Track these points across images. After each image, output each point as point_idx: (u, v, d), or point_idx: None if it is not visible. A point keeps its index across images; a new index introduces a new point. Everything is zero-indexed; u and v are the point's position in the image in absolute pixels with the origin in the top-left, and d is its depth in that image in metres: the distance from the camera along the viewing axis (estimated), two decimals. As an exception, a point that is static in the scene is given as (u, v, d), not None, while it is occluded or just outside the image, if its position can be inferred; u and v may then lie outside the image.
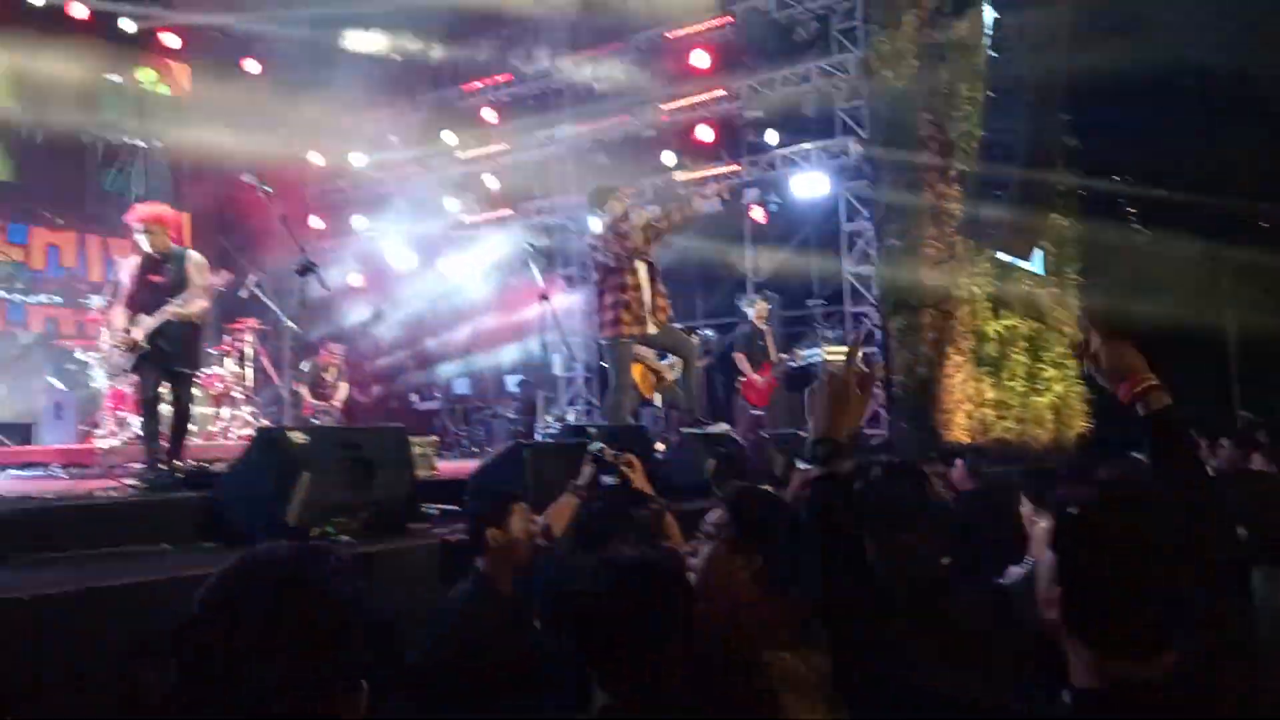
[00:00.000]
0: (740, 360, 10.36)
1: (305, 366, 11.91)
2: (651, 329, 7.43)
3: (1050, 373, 12.77)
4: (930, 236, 11.81)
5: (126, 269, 6.56)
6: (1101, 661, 1.50)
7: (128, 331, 6.24)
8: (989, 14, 12.13)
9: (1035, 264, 13.91)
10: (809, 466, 3.01)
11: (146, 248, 6.34)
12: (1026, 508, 3.87)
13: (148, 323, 6.18)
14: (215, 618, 1.37)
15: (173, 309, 6.18)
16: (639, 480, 3.98)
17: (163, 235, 6.37)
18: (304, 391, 11.64)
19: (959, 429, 11.58)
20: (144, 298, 6.27)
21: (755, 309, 10.57)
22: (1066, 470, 4.26)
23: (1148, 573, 1.48)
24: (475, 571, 3.40)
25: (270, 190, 7.00)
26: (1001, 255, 12.76)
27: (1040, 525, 3.44)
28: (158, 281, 6.27)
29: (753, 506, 2.42)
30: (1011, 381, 12.59)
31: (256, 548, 1.47)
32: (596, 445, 4.10)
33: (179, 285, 6.28)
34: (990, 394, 12.14)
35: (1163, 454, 2.14)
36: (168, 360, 6.28)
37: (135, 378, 6.62)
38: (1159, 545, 1.50)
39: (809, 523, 2.16)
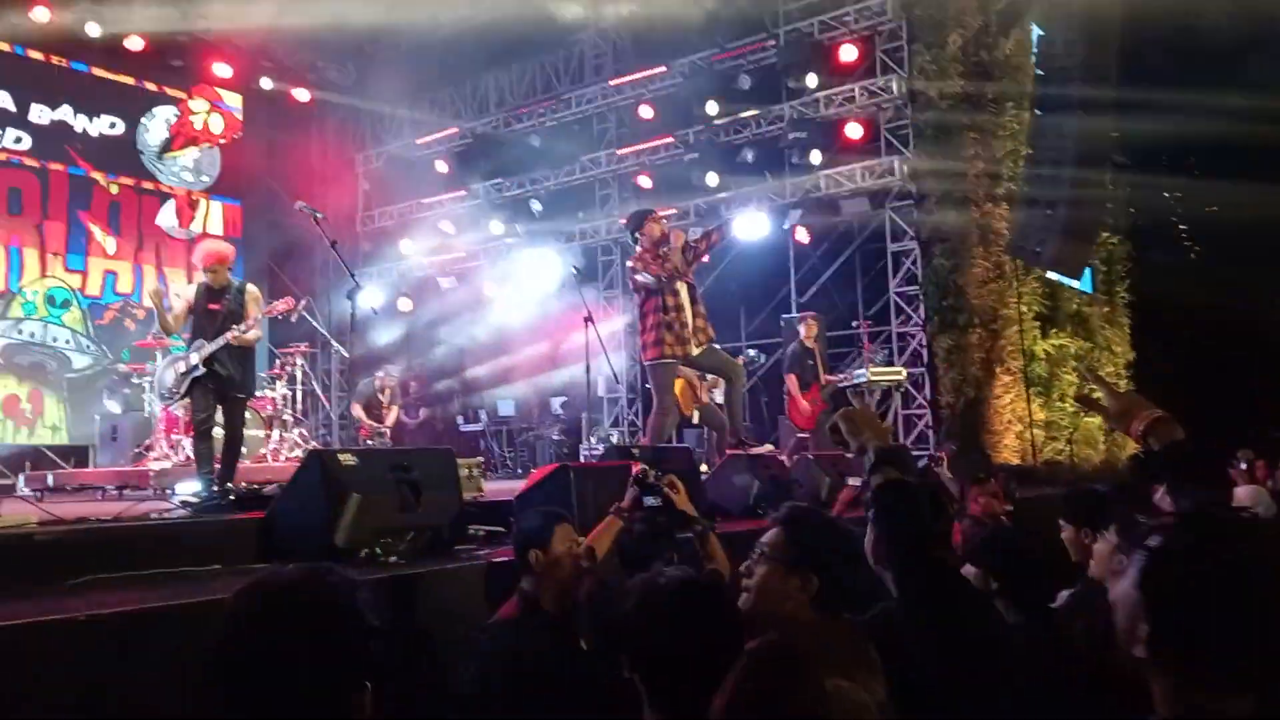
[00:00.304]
0: (790, 381, 10.30)
1: (361, 388, 12.08)
2: (694, 350, 7.44)
3: (1101, 392, 12.53)
4: (977, 255, 11.72)
5: (184, 296, 6.77)
6: (1188, 694, 1.47)
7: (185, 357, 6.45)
8: (1035, 32, 12.06)
9: (1084, 282, 13.74)
10: (858, 482, 2.97)
11: (209, 281, 6.58)
12: (1067, 531, 3.81)
13: (207, 348, 6.39)
14: (230, 636, 1.58)
15: (233, 335, 6.38)
16: (682, 502, 3.97)
17: (224, 272, 6.63)
18: (359, 412, 11.80)
19: (1009, 450, 11.43)
20: (203, 324, 6.52)
21: (805, 328, 10.50)
22: (1118, 492, 4.17)
23: (1240, 607, 1.44)
24: (520, 593, 3.41)
25: (321, 216, 7.12)
26: (1050, 274, 12.62)
27: (1098, 547, 3.37)
28: (216, 310, 6.50)
29: (809, 527, 2.38)
30: (1062, 402, 12.42)
31: (262, 572, 1.67)
32: (639, 467, 4.10)
33: (237, 314, 6.51)
34: (1040, 414, 11.98)
35: (1186, 483, 2.10)
36: (223, 384, 6.46)
37: (187, 401, 6.80)
38: (1250, 578, 1.47)
39: (879, 529, 2.12)
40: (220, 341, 6.40)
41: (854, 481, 5.32)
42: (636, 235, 7.64)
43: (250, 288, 6.77)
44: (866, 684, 2.14)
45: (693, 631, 2.15)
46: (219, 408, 6.66)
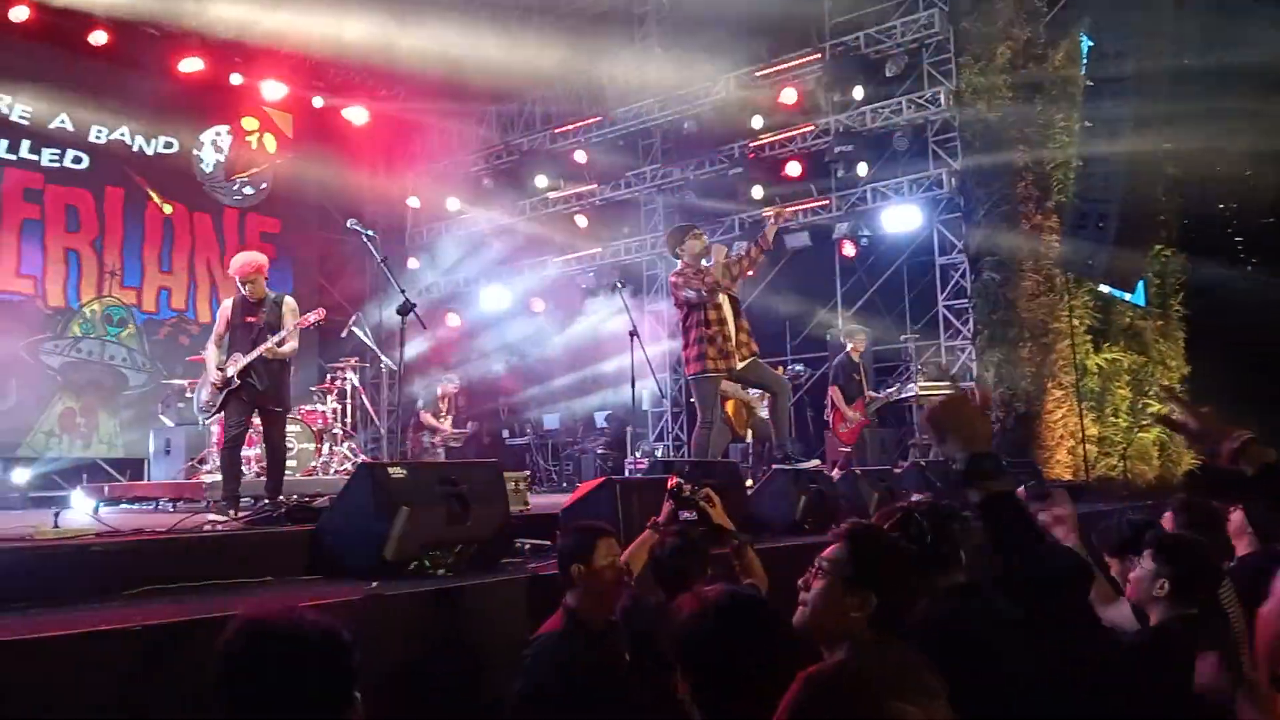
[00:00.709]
0: (835, 394, 10.23)
1: (426, 396, 12.24)
2: (737, 364, 7.44)
3: (1155, 407, 12.28)
4: (1027, 268, 11.57)
5: (221, 310, 6.85)
6: None
7: (221, 370, 6.53)
8: (1085, 43, 11.91)
9: (1137, 296, 13.50)
10: (919, 498, 2.92)
11: (246, 294, 6.63)
12: (1114, 565, 3.73)
13: (242, 360, 6.44)
14: (227, 674, 1.80)
15: (267, 346, 6.43)
16: (718, 515, 3.96)
17: (261, 282, 6.66)
18: (431, 420, 11.96)
19: (1061, 466, 11.26)
20: (240, 337, 6.55)
21: (854, 341, 10.43)
22: (1178, 506, 4.11)
23: None
24: (564, 607, 3.43)
25: (372, 234, 7.20)
26: (1102, 287, 12.43)
27: (1134, 574, 3.30)
28: (253, 322, 6.54)
29: (873, 546, 2.34)
30: (1115, 417, 12.21)
31: (248, 604, 1.84)
32: (674, 481, 4.10)
33: (274, 326, 6.54)
34: (1093, 430, 11.78)
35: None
36: (258, 396, 6.51)
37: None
38: None
39: (995, 544, 2.09)
40: (256, 353, 6.43)
41: (917, 497, 5.21)
42: (678, 251, 7.68)
43: (288, 299, 6.78)
44: (928, 709, 2.09)
45: (741, 647, 2.15)
46: (255, 422, 6.74)
